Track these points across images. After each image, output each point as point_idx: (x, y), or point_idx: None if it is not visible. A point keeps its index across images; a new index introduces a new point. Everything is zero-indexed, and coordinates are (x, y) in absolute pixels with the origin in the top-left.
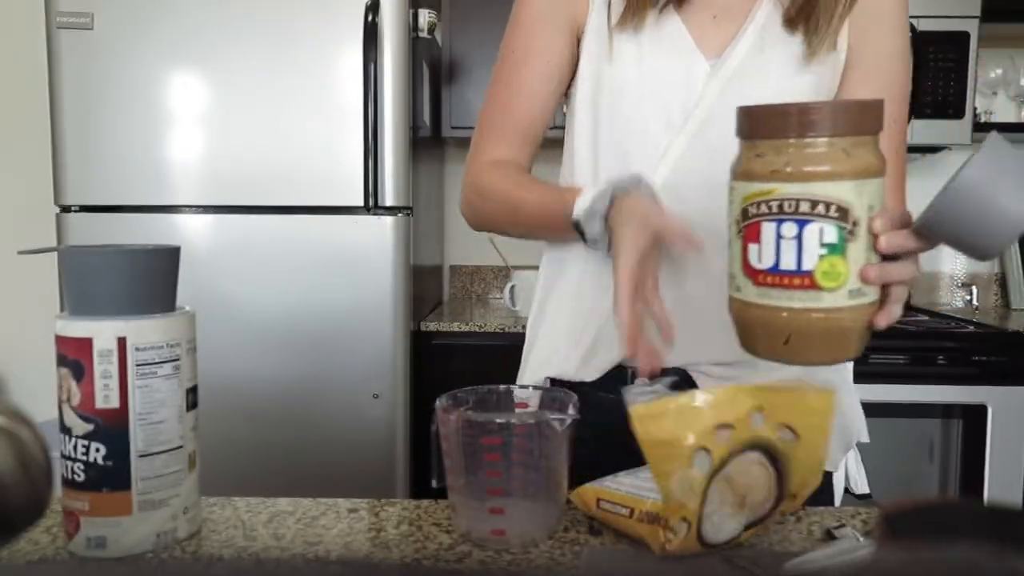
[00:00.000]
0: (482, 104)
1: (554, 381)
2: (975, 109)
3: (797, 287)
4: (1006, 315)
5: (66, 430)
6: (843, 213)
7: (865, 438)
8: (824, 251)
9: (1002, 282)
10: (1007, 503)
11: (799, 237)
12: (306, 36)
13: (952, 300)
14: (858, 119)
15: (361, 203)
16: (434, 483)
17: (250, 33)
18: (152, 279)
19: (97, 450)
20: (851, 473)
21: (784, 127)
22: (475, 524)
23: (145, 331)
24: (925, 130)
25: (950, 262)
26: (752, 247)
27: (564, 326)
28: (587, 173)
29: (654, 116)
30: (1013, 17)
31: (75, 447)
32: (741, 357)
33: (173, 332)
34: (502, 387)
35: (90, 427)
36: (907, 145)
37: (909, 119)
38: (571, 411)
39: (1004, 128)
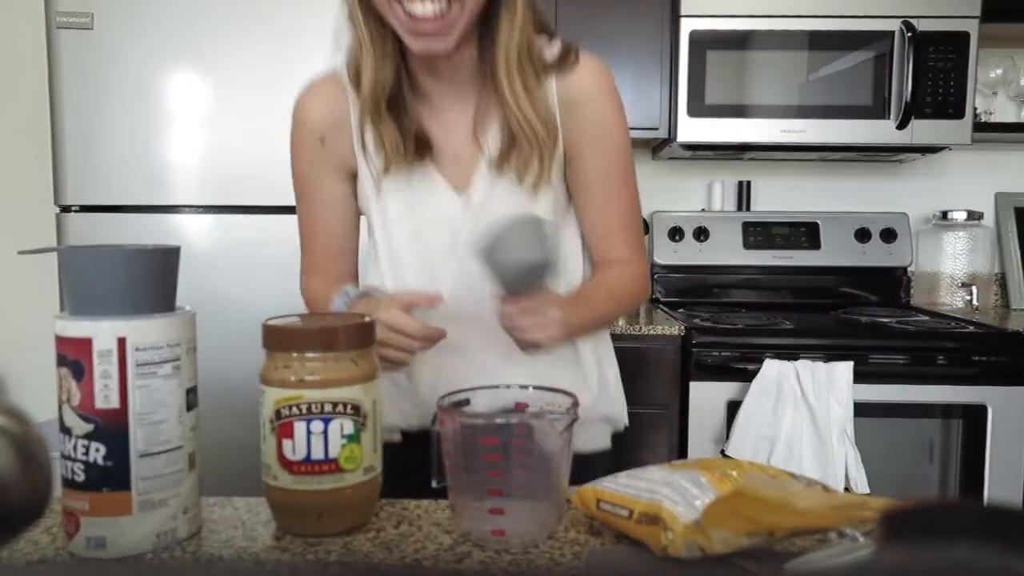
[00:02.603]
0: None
1: None
2: (975, 109)
3: (326, 472)
4: (1006, 315)
5: (66, 430)
6: (356, 410)
7: (625, 422)
8: (344, 441)
9: (1002, 282)
10: (1007, 503)
11: (325, 432)
12: (306, 36)
13: (952, 300)
14: (363, 336)
15: None
16: (434, 483)
17: (250, 33)
18: (152, 279)
19: (97, 450)
20: (851, 473)
21: (308, 343)
22: (475, 524)
23: (145, 331)
24: (925, 130)
25: (950, 262)
26: (286, 442)
27: None
28: (392, 272)
29: (428, 248)
30: (1013, 17)
31: (75, 447)
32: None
33: (173, 332)
34: (502, 387)
35: (90, 427)
36: (639, 204)
37: (908, 120)
38: (571, 411)
39: (1004, 128)
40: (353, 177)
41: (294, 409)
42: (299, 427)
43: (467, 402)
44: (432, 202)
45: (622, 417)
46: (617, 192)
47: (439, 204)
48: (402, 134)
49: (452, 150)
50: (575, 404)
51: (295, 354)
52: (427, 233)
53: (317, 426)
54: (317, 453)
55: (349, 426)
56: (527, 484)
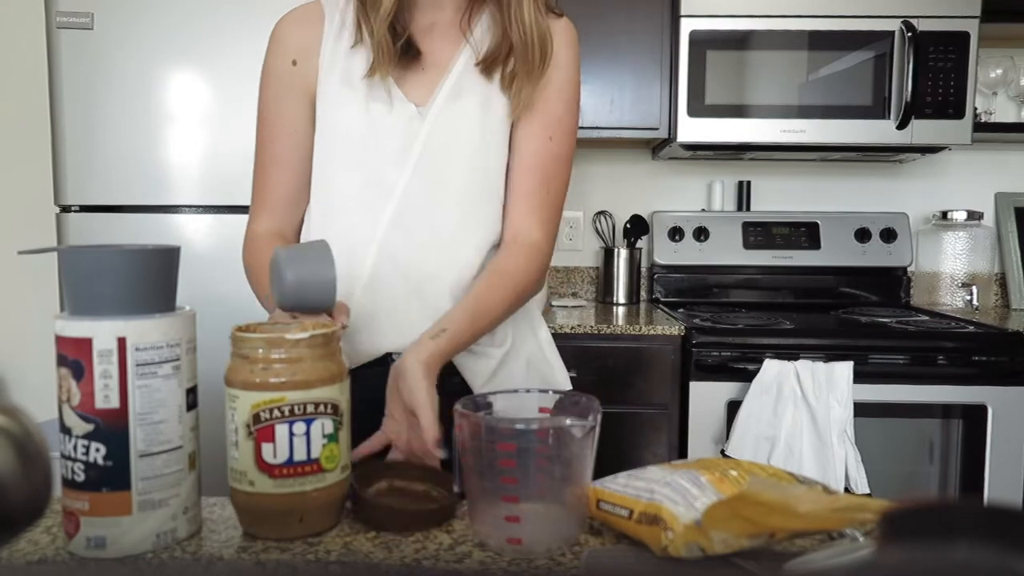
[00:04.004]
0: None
1: None
2: (975, 109)
3: (308, 473)
4: (1006, 315)
5: (66, 430)
6: (335, 409)
7: (568, 386)
8: (325, 440)
9: (1002, 282)
10: (1007, 503)
11: (307, 433)
12: None
13: (952, 300)
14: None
15: None
16: (455, 488)
17: (250, 33)
18: (152, 279)
19: (97, 450)
20: (851, 473)
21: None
22: (492, 532)
23: (145, 331)
24: (925, 130)
25: (950, 262)
26: (266, 446)
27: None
28: (323, 204)
29: (379, 157)
30: (1013, 17)
31: (75, 447)
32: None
33: (173, 332)
34: (521, 391)
35: (90, 427)
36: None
37: (908, 120)
38: (591, 417)
39: (1004, 128)
40: (313, 100)
41: (275, 412)
42: (281, 430)
43: (488, 406)
44: (389, 113)
45: (558, 381)
46: (550, 148)
47: (395, 116)
48: (393, 37)
49: (427, 56)
50: (598, 409)
51: (275, 355)
52: (379, 145)
53: (299, 427)
54: (300, 455)
55: (329, 425)
56: (544, 491)
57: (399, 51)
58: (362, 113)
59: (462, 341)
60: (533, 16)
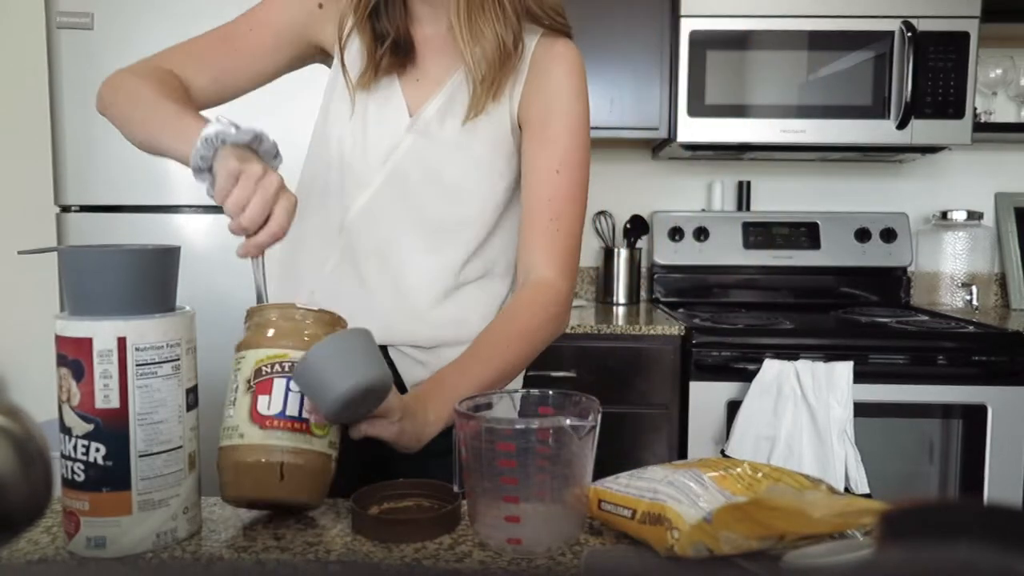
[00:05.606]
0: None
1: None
2: (975, 109)
3: (297, 430)
4: (1006, 315)
5: (66, 430)
6: None
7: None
8: None
9: (1002, 282)
10: (1007, 503)
11: (303, 393)
12: None
13: (952, 300)
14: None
15: None
16: (456, 488)
17: None
18: (152, 279)
19: (97, 450)
20: (851, 473)
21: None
22: (491, 532)
23: (145, 331)
24: (925, 130)
25: (950, 262)
26: (262, 398)
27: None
28: (310, 173)
29: (365, 152)
30: (1013, 17)
31: (75, 447)
32: (437, 343)
33: (173, 332)
34: (522, 391)
35: (90, 427)
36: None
37: (908, 120)
38: (591, 417)
39: (1004, 128)
40: (299, 60)
41: (276, 367)
42: (278, 384)
43: (488, 406)
44: (385, 115)
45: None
46: (558, 182)
47: (390, 119)
48: (380, 39)
49: (424, 64)
50: (598, 409)
51: (285, 322)
52: (367, 141)
53: (296, 385)
54: (292, 410)
55: None
56: (544, 491)
57: (387, 52)
58: (360, 115)
59: (452, 382)
60: (467, 30)
